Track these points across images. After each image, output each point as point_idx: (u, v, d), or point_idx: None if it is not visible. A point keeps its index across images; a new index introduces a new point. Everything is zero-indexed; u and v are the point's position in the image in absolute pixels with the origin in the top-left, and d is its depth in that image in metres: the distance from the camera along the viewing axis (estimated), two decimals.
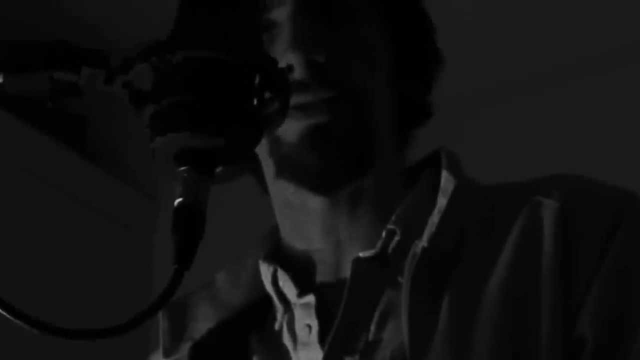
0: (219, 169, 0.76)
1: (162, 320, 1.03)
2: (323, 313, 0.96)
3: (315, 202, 0.98)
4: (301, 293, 0.98)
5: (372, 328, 0.93)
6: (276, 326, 1.01)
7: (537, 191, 0.94)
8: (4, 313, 0.69)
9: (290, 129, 0.94)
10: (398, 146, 1.05)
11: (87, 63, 0.76)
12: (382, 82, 1.01)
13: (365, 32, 1.01)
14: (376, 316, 0.93)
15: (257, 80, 0.77)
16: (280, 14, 0.97)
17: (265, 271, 1.01)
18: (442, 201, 0.94)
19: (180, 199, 0.74)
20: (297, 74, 0.94)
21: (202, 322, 1.03)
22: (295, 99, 0.92)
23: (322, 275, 1.00)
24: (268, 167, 1.00)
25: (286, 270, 1.00)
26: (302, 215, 1.00)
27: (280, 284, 1.00)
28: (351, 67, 0.98)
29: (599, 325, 0.85)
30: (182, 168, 0.75)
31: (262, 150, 0.98)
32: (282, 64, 0.92)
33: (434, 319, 0.88)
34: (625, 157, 2.23)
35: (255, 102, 0.77)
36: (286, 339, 0.99)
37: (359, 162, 0.98)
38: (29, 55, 0.76)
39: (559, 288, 0.87)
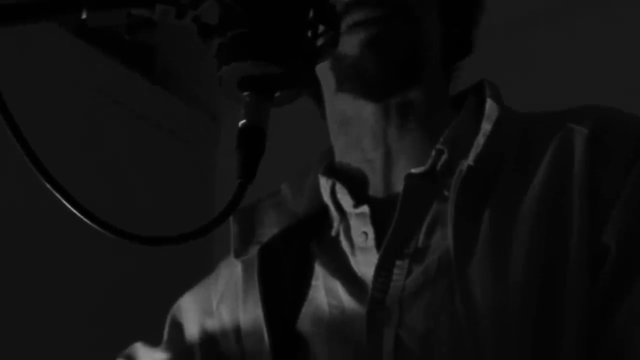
0: (277, 94, 0.76)
1: (232, 225, 1.05)
2: (376, 222, 0.98)
3: (368, 111, 1.00)
4: (357, 204, 1.00)
5: (421, 236, 0.95)
6: (333, 233, 1.03)
7: (569, 119, 0.95)
8: (93, 224, 0.70)
9: (350, 43, 0.95)
10: (443, 73, 1.06)
11: (161, 0, 0.74)
12: (430, 12, 1.02)
13: None
14: (425, 225, 0.95)
15: (311, 14, 0.76)
16: None
17: (325, 184, 1.04)
18: (486, 126, 0.95)
19: (243, 121, 0.74)
20: None
21: (268, 228, 1.05)
22: (354, 17, 0.95)
23: (375, 188, 1.02)
24: (329, 84, 1.02)
25: (342, 184, 1.02)
26: (356, 128, 1.01)
27: (338, 195, 1.02)
28: None
29: (622, 236, 0.87)
30: (245, 93, 0.75)
31: (323, 69, 1.00)
32: None
33: (477, 228, 0.90)
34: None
35: (309, 34, 0.77)
36: (344, 245, 1.01)
37: (407, 71, 0.99)
38: None
39: (587, 204, 0.88)
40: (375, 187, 1.02)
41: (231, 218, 1.03)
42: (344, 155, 1.05)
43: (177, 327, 1.12)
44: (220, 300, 1.09)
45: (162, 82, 2.75)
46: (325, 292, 0.99)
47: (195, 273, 1.20)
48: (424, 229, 0.95)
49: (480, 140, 0.94)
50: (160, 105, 2.74)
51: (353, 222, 1.00)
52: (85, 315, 2.33)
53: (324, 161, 1.08)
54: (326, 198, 1.04)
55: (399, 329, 0.91)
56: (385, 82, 0.98)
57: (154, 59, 2.75)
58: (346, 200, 1.01)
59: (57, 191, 0.70)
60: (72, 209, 0.70)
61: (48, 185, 0.70)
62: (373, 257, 0.96)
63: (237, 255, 1.05)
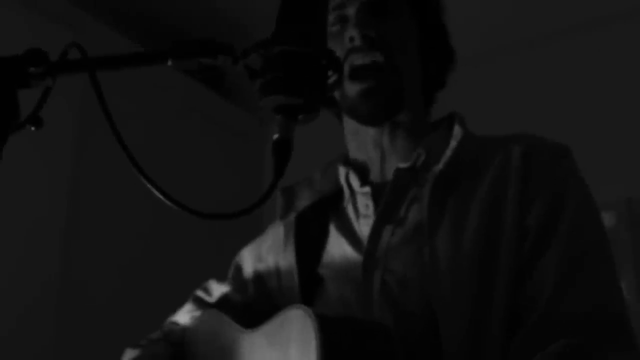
0: (300, 117, 0.84)
1: (278, 198, 1.22)
2: (374, 198, 1.15)
3: (368, 129, 1.17)
4: (362, 185, 1.18)
5: (403, 209, 1.11)
6: (344, 204, 1.20)
7: (510, 141, 1.10)
8: (168, 201, 0.75)
9: (352, 90, 1.11)
10: (423, 102, 1.22)
11: (222, 52, 0.85)
12: (411, 58, 1.17)
13: (402, 24, 1.16)
14: (405, 203, 1.11)
15: (323, 63, 0.85)
16: (350, 10, 1.14)
17: (342, 171, 1.21)
18: (453, 143, 1.12)
19: (276, 135, 0.84)
20: (356, 42, 1.10)
21: (303, 201, 1.22)
22: (354, 61, 1.09)
23: (374, 176, 1.19)
24: (342, 110, 1.19)
25: (354, 172, 1.19)
26: (361, 137, 1.19)
27: (350, 178, 1.19)
28: (390, 43, 1.13)
29: (539, 217, 1.01)
30: (278, 116, 0.84)
31: (340, 99, 1.17)
32: (347, 36, 1.09)
33: (443, 211, 1.05)
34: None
35: (322, 76, 0.85)
36: (350, 213, 1.18)
37: (392, 110, 1.14)
38: (187, 47, 0.85)
39: (519, 196, 1.03)
40: (375, 175, 1.19)
41: (278, 193, 1.21)
42: (354, 153, 1.22)
43: (238, 269, 1.30)
44: (267, 251, 1.25)
45: (228, 96, 2.88)
46: (336, 246, 1.15)
47: (248, 239, 1.35)
48: (405, 205, 1.11)
49: (449, 151, 1.11)
50: (225, 113, 2.86)
51: (359, 198, 1.17)
52: (171, 274, 2.55)
53: (342, 157, 1.25)
54: (342, 181, 1.21)
55: (384, 273, 1.06)
56: (375, 119, 1.15)
57: (223, 80, 2.88)
58: (356, 182, 1.19)
59: (148, 182, 0.76)
60: (158, 194, 0.76)
61: (142, 178, 0.76)
62: (371, 221, 1.12)
63: (281, 218, 1.22)
